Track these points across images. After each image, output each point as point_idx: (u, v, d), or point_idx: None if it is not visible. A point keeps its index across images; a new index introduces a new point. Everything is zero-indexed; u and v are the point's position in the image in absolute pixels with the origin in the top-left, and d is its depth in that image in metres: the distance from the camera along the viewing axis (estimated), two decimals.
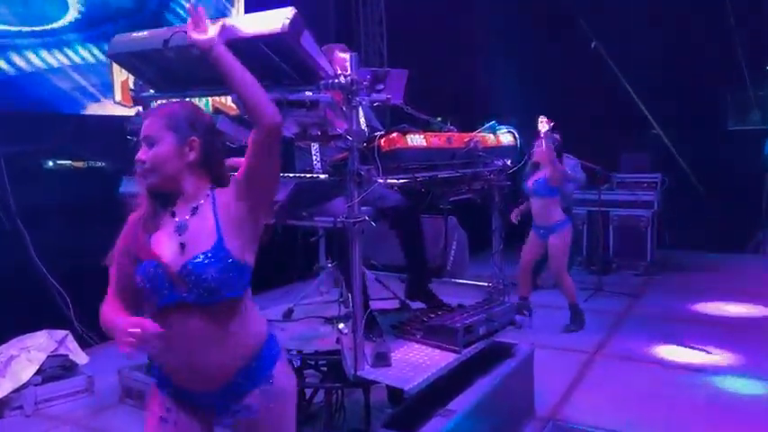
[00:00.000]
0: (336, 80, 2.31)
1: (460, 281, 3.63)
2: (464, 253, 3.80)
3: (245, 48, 2.27)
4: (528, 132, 5.58)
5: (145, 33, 2.64)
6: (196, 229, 1.66)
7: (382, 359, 2.57)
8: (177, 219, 1.68)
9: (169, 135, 1.68)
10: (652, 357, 4.50)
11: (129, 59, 2.72)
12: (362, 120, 3.37)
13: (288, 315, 3.37)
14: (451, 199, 3.09)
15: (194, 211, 1.69)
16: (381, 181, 2.46)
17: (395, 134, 2.39)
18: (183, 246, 1.63)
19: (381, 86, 2.42)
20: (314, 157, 3.03)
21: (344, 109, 2.33)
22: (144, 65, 2.70)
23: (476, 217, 3.43)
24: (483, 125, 3.08)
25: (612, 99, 8.17)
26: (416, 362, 2.64)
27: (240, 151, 3.17)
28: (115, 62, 2.83)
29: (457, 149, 2.71)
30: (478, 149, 2.84)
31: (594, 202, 6.89)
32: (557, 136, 5.58)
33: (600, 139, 7.82)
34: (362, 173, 2.35)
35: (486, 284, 3.48)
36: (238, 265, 1.63)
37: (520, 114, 8.46)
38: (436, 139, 2.60)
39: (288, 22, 2.20)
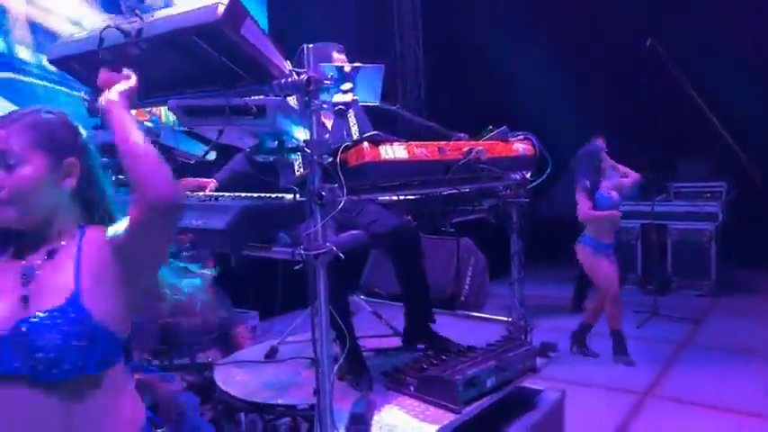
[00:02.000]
0: (289, 79, 1.86)
1: (476, 314, 3.09)
2: (482, 281, 3.26)
3: (179, 43, 1.86)
4: (576, 139, 5.01)
5: (84, 33, 2.26)
6: (47, 279, 1.23)
7: (358, 422, 2.08)
8: (24, 263, 1.26)
9: (38, 154, 1.27)
10: (717, 401, 3.81)
11: (68, 63, 2.35)
12: (354, 128, 2.91)
13: (271, 355, 2.92)
14: (455, 220, 2.58)
15: (50, 254, 1.27)
16: (356, 198, 1.99)
17: (365, 145, 1.91)
18: (25, 299, 1.20)
19: (349, 86, 1.95)
20: (297, 172, 2.60)
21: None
22: (84, 68, 2.32)
23: (498, 238, 2.91)
24: (491, 131, 2.57)
25: (670, 100, 7.41)
26: (403, 425, 2.14)
27: (198, 170, 2.79)
28: (57, 68, 2.44)
29: (452, 161, 2.21)
30: (482, 161, 2.32)
31: (648, 214, 6.18)
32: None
33: (656, 143, 7.08)
34: (324, 193, 1.88)
35: (505, 319, 2.94)
36: (100, 333, 1.19)
37: (567, 119, 7.85)
38: (423, 150, 2.10)
39: (222, 8, 1.76)
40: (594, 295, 4.89)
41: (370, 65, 2.37)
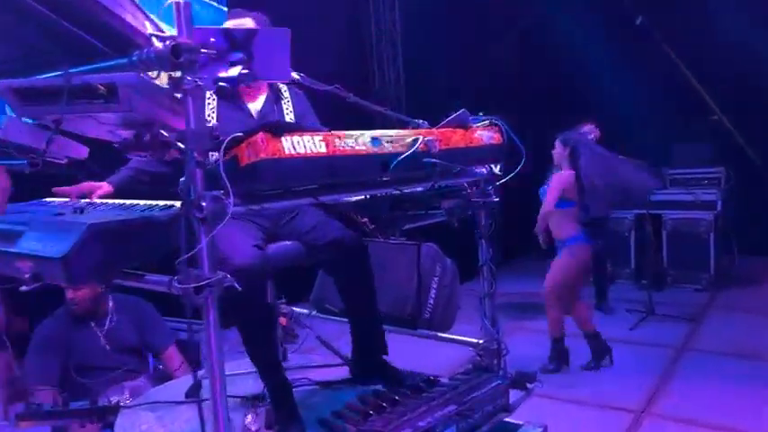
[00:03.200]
0: (151, 49, 1.34)
1: (441, 335, 2.59)
2: (450, 294, 2.75)
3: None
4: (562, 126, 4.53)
5: None
6: None
7: None
8: None
9: None
10: (723, 419, 3.35)
11: None
12: (289, 117, 2.40)
13: (193, 392, 2.41)
14: (407, 227, 2.07)
15: None
16: (240, 210, 1.48)
17: (260, 136, 1.39)
18: None
19: (241, 56, 1.43)
20: None
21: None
22: None
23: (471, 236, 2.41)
24: (448, 116, 2.05)
25: (663, 81, 6.91)
26: None
27: (65, 178, 2.23)
28: None
29: (391, 156, 1.69)
30: (432, 153, 1.81)
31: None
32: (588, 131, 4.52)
33: (647, 127, 6.59)
34: (205, 203, 1.37)
35: (474, 341, 2.44)
36: None
37: (551, 104, 7.34)
38: (350, 142, 1.58)
39: None
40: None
41: (270, 28, 1.85)
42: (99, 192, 2.05)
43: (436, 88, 6.86)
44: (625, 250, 6.43)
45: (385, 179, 1.71)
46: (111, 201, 1.94)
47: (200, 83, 1.37)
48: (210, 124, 2.20)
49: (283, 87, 2.42)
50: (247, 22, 2.25)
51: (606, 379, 4.00)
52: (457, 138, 1.97)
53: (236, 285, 1.45)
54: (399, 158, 1.71)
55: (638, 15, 6.98)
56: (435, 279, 2.72)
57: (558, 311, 4.12)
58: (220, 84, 1.36)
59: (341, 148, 1.57)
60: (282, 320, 2.73)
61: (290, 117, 2.39)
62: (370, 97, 7.51)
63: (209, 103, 2.28)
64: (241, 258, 1.94)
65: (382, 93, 7.48)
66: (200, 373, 2.45)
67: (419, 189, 1.92)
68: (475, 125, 2.10)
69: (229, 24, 2.22)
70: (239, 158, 1.43)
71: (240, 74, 1.39)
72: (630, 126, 6.33)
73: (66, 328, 2.92)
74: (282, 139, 1.43)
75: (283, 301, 3.01)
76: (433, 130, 1.93)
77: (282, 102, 2.41)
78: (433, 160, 1.80)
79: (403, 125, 2.30)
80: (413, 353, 2.64)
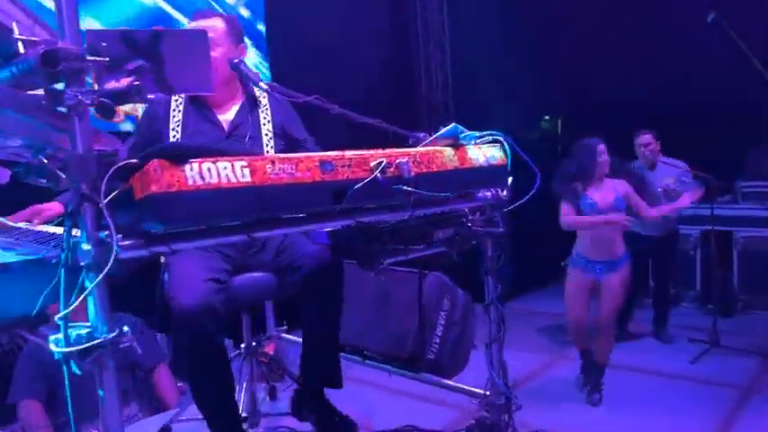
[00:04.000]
0: (26, 56, 1.09)
1: (442, 381, 2.25)
2: (461, 332, 2.40)
3: None
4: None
5: None
6: None
7: None
8: None
9: None
10: None
11: None
12: (265, 129, 2.13)
13: None
14: (389, 261, 1.74)
15: None
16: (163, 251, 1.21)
17: (155, 164, 1.12)
18: None
19: (141, 64, 1.15)
20: None
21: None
22: None
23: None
24: (438, 131, 1.72)
25: (736, 82, 6.24)
26: None
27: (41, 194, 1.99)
28: None
29: (347, 183, 1.38)
30: (406, 178, 1.48)
31: (708, 219, 5.11)
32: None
33: (716, 136, 5.96)
34: (88, 247, 1.10)
35: (479, 392, 2.09)
36: None
37: (609, 107, 6.80)
38: (288, 168, 1.28)
39: None
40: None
41: (183, 28, 1.57)
42: (45, 214, 1.83)
43: (487, 94, 6.46)
44: (690, 270, 5.83)
45: (337, 211, 1.40)
46: (44, 228, 1.71)
47: (81, 98, 1.10)
48: (175, 139, 1.97)
49: (261, 94, 2.16)
50: (217, 24, 2.00)
51: (657, 422, 3.52)
52: (444, 158, 1.63)
53: (137, 349, 1.18)
54: (357, 187, 1.39)
55: (709, 11, 6.36)
56: (443, 314, 2.38)
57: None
58: (101, 100, 1.08)
59: (274, 176, 1.27)
60: (269, 348, 2.45)
61: (267, 128, 2.12)
62: (417, 103, 7.19)
63: (173, 116, 2.04)
64: (186, 298, 1.68)
65: (429, 98, 7.16)
66: (167, 418, 2.22)
67: (390, 220, 1.60)
68: (471, 142, 1.75)
69: (193, 26, 1.97)
70: (134, 191, 1.16)
71: (132, 86, 1.12)
72: (697, 135, 5.73)
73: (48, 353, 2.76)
74: (186, 167, 1.15)
75: (284, 328, 2.76)
76: (412, 150, 1.60)
77: (259, 110, 2.14)
78: (405, 188, 1.48)
79: (402, 140, 1.99)
80: (413, 398, 2.31)
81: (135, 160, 1.14)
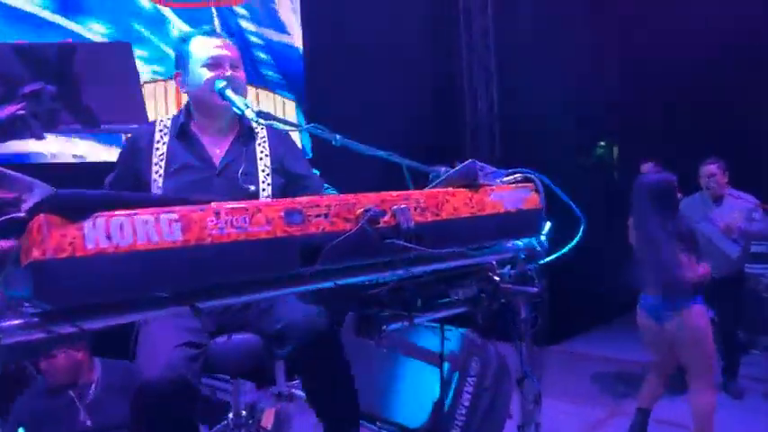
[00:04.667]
0: None
1: None
2: (494, 400, 2.02)
3: None
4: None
5: None
6: None
7: None
8: None
9: None
10: None
11: None
12: (262, 166, 1.83)
13: None
14: (393, 328, 1.41)
15: None
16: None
17: (41, 219, 0.83)
18: None
19: (40, 88, 0.87)
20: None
21: None
22: None
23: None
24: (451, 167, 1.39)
25: None
26: None
27: None
28: None
29: (322, 237, 1.07)
30: (405, 228, 1.16)
31: None
32: None
33: None
34: None
35: None
36: None
37: (672, 136, 6.28)
38: (240, 221, 0.98)
39: None
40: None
41: (102, 42, 1.27)
42: None
43: (537, 117, 6.06)
44: (761, 314, 5.23)
45: (311, 273, 1.08)
46: None
47: None
48: (157, 177, 1.70)
49: (258, 124, 1.87)
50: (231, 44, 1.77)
51: None
52: (457, 203, 1.29)
53: None
54: (334, 243, 1.07)
55: None
56: (471, 380, 2.02)
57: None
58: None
59: (218, 233, 0.96)
60: (267, 419, 2.13)
61: (264, 162, 1.83)
62: (460, 128, 6.85)
63: (157, 148, 1.77)
64: (150, 368, 1.39)
65: (474, 125, 6.80)
66: None
67: (382, 281, 1.27)
68: (496, 182, 1.41)
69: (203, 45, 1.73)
70: (21, 255, 0.87)
71: (16, 117, 0.83)
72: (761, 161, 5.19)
73: (41, 400, 2.53)
74: (85, 223, 0.85)
75: (296, 381, 2.43)
76: (415, 192, 1.27)
77: (256, 143, 1.86)
78: (400, 243, 1.14)
79: (420, 175, 1.67)
80: None
81: (23, 213, 0.86)
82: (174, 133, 1.80)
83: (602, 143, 7.49)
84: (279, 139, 1.89)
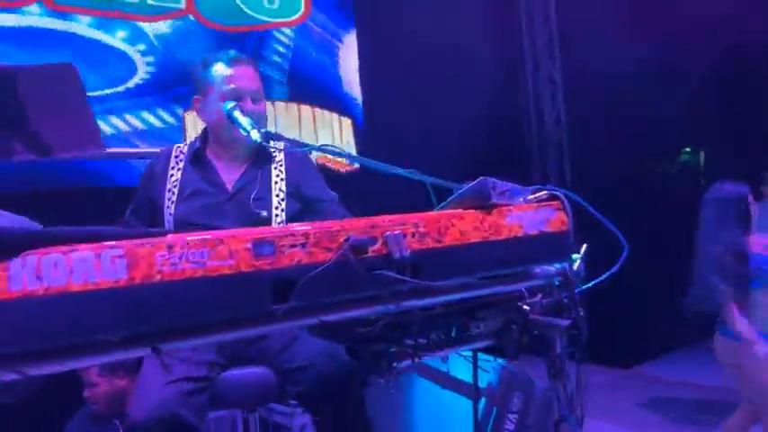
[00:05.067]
0: None
1: None
2: None
3: None
4: None
5: None
6: None
7: None
8: None
9: None
10: None
11: None
12: (276, 191, 1.74)
13: None
14: (404, 365, 1.26)
15: None
16: None
17: None
18: None
19: None
20: None
21: None
22: None
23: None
24: (460, 187, 1.24)
25: None
26: None
27: None
28: None
29: (296, 270, 0.95)
30: (399, 257, 1.02)
31: None
32: None
33: None
34: None
35: None
36: None
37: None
38: (192, 255, 0.88)
39: None
40: None
41: (42, 64, 1.16)
42: None
43: (609, 129, 5.72)
44: None
45: (285, 310, 0.96)
46: None
47: None
48: (170, 203, 1.65)
49: (277, 145, 1.79)
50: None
51: None
52: (466, 226, 1.15)
53: None
54: (310, 276, 0.95)
55: None
56: (512, 416, 1.83)
57: None
58: None
59: (170, 269, 0.87)
60: None
61: (279, 187, 1.74)
62: (526, 141, 6.57)
63: (171, 174, 1.72)
64: (138, 410, 1.31)
65: (540, 138, 6.51)
66: None
67: (374, 316, 1.12)
68: (516, 201, 1.25)
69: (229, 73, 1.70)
70: None
71: None
72: None
73: (87, 427, 2.54)
74: (11, 263, 0.77)
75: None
76: (413, 216, 1.13)
77: (272, 166, 1.78)
78: (390, 274, 1.01)
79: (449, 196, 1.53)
80: None
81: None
82: (188, 159, 1.75)
83: (687, 149, 7.01)
84: (296, 162, 1.80)
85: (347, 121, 5.07)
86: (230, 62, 1.74)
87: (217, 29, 4.27)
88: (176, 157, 1.76)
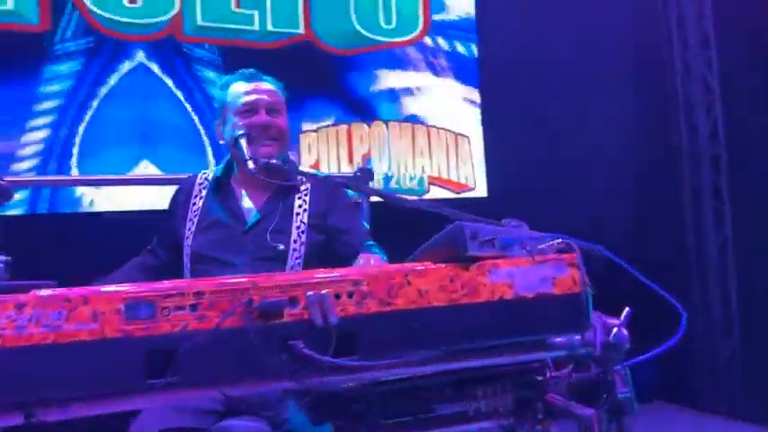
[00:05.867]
0: None
1: None
2: None
3: None
4: None
5: None
6: None
7: None
8: None
9: None
10: None
11: None
12: (298, 222, 1.59)
13: None
14: None
15: None
16: None
17: None
18: None
19: None
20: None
21: None
22: None
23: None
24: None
25: None
26: None
27: None
28: None
29: (178, 337, 0.78)
30: (322, 324, 0.82)
31: None
32: None
33: None
34: None
35: None
36: None
37: None
38: (45, 315, 0.74)
39: None
40: None
41: None
42: None
43: None
44: None
45: (163, 384, 0.79)
46: None
47: None
48: (189, 234, 1.58)
49: (304, 172, 1.64)
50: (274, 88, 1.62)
51: None
52: (428, 284, 0.91)
53: None
54: (187, 347, 0.78)
55: None
56: None
57: None
58: None
59: (12, 334, 0.75)
60: None
61: (301, 218, 1.59)
62: (678, 164, 5.79)
63: (193, 203, 1.65)
64: None
65: (693, 155, 5.70)
66: None
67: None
68: (509, 253, 0.99)
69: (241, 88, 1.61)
70: None
71: None
72: None
73: None
74: None
75: None
76: (359, 270, 0.91)
77: (296, 195, 1.63)
78: (300, 347, 0.81)
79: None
80: None
81: None
82: (211, 186, 1.67)
83: None
84: (323, 190, 1.64)
85: (465, 140, 4.82)
86: (247, 78, 1.65)
87: (333, 52, 4.25)
88: (200, 184, 1.69)
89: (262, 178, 1.53)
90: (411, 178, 4.54)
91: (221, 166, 1.71)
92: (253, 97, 1.62)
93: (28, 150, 3.09)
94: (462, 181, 4.73)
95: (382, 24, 4.47)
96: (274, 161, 1.48)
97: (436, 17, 4.60)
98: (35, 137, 3.13)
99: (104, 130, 3.26)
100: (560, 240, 0.99)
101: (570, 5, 4.69)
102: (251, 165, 1.40)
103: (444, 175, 4.74)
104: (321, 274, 0.88)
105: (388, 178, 4.32)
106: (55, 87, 3.22)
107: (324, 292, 0.85)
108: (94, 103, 3.30)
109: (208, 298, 0.82)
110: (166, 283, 0.82)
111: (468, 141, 4.83)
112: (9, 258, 1.26)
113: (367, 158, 4.26)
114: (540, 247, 1.00)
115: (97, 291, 0.79)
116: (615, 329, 1.08)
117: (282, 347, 0.82)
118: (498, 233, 0.96)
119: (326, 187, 1.65)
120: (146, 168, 3.23)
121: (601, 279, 1.23)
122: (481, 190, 4.55)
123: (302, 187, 1.64)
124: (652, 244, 4.47)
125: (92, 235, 2.75)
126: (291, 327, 0.83)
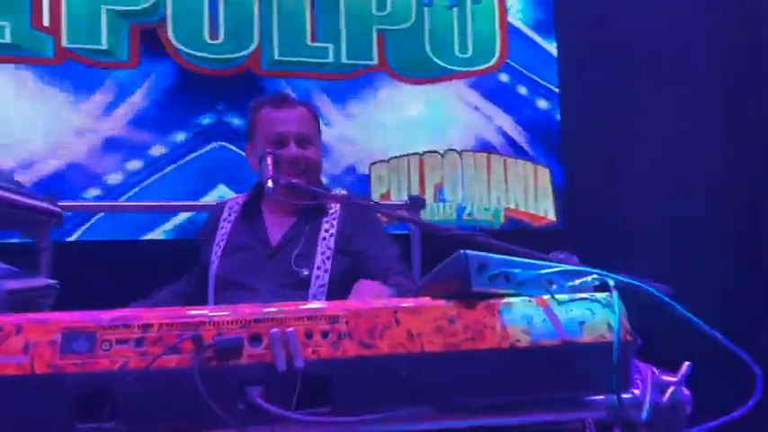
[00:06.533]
0: None
1: None
2: None
3: None
4: None
5: None
6: None
7: None
8: None
9: None
10: None
11: None
12: (323, 247, 1.49)
13: None
14: None
15: None
16: None
17: None
18: None
19: None
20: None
21: None
22: None
23: None
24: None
25: None
26: None
27: None
28: None
29: (127, 375, 0.67)
30: (286, 373, 0.68)
31: None
32: None
33: None
34: None
35: None
36: None
37: None
38: None
39: None
40: None
41: None
42: None
43: None
44: None
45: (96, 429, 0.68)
46: None
47: None
48: (215, 258, 1.51)
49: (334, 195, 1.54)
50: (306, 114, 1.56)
51: None
52: (420, 324, 0.76)
53: None
54: (126, 386, 0.67)
55: None
56: None
57: None
58: None
59: None
60: None
61: (327, 243, 1.49)
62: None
63: (222, 227, 1.59)
64: None
65: None
66: None
67: None
68: (526, 292, 0.82)
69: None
70: None
71: None
72: None
73: None
74: None
75: None
76: (341, 304, 0.77)
77: (324, 219, 1.53)
78: (254, 398, 0.68)
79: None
80: None
81: None
82: (240, 212, 1.61)
83: None
84: (351, 214, 1.53)
85: (544, 171, 4.56)
86: (277, 105, 1.57)
87: (408, 83, 4.17)
88: (231, 208, 1.63)
89: (281, 199, 1.44)
90: (486, 209, 4.34)
91: (250, 190, 1.65)
92: (282, 128, 1.55)
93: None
94: (541, 213, 4.47)
95: (457, 53, 4.35)
96: (295, 181, 1.38)
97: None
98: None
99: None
100: (595, 275, 0.81)
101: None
102: (270, 184, 1.31)
103: (522, 207, 4.50)
104: (291, 307, 0.75)
105: (461, 209, 4.15)
106: None
107: (290, 330, 0.71)
108: None
109: (155, 332, 0.71)
110: (111, 313, 0.72)
111: (549, 172, 4.56)
112: (57, 282, 1.23)
113: (440, 188, 4.13)
114: (569, 284, 0.82)
115: (35, 318, 0.70)
116: (672, 388, 0.87)
117: (238, 394, 0.70)
118: (515, 266, 0.80)
119: (356, 210, 1.54)
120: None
121: (659, 324, 1.02)
122: (560, 222, 4.27)
123: (331, 211, 1.54)
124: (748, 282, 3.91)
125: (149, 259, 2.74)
126: (250, 369, 0.71)
